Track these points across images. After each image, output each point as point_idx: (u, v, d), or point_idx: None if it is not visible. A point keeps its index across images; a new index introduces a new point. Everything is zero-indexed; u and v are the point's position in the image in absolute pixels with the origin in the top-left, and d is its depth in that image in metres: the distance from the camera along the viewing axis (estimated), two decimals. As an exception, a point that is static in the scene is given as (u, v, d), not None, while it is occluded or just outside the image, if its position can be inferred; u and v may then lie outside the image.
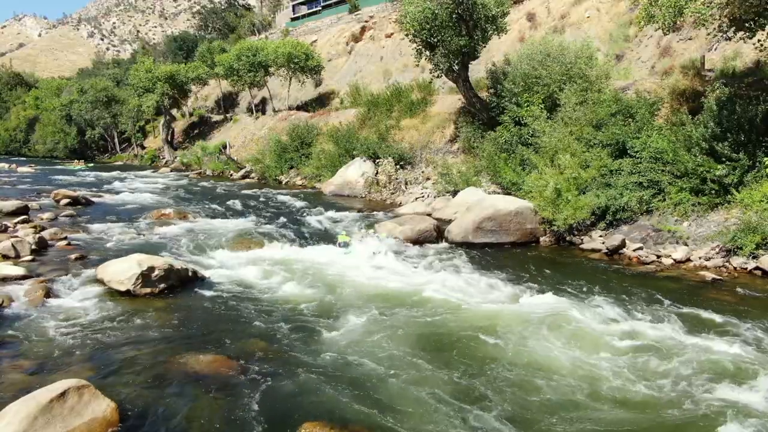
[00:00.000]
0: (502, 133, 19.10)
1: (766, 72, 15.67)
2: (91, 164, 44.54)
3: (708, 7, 12.66)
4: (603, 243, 13.59)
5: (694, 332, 8.18)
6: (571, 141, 16.00)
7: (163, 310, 9.17)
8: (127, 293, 9.63)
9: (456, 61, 19.77)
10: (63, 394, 5.35)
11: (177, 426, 5.73)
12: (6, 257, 11.32)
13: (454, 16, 18.92)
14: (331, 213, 18.21)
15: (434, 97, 27.09)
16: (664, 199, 13.80)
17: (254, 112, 44.66)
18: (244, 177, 33.67)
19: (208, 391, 6.42)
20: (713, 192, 13.00)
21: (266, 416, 5.95)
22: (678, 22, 14.71)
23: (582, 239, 14.15)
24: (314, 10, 61.21)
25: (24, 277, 10.10)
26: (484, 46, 21.14)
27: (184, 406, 6.07)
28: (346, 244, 13.66)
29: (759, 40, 13.78)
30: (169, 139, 48.78)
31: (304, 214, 18.49)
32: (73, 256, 11.84)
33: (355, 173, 24.34)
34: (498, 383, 6.74)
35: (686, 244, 12.67)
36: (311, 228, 16.23)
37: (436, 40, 19.30)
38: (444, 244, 14.54)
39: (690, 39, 20.74)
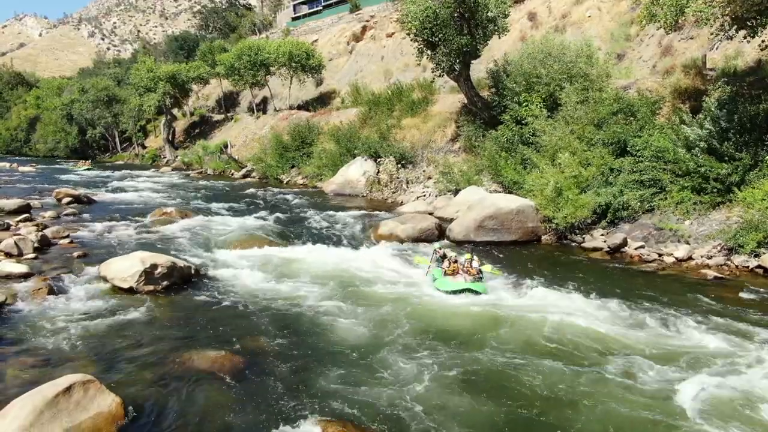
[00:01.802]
0: (503, 132, 19.12)
1: (768, 71, 15.67)
2: (93, 167, 43.04)
3: (709, 6, 12.67)
4: (605, 241, 13.60)
5: (695, 330, 8.19)
6: (572, 140, 16.02)
7: (166, 307, 9.19)
8: (130, 290, 9.66)
9: (457, 60, 19.78)
10: (69, 389, 5.37)
11: (182, 421, 5.75)
12: (9, 255, 11.33)
13: (455, 15, 18.94)
14: (333, 212, 18.22)
15: (435, 97, 27.10)
16: (666, 198, 13.80)
17: (255, 111, 44.69)
18: (245, 176, 33.70)
19: (212, 387, 6.44)
20: (715, 191, 13.01)
21: (271, 413, 5.96)
22: (680, 21, 14.72)
23: (583, 238, 14.16)
24: (315, 9, 61.15)
25: (27, 275, 10.11)
26: (486, 45, 21.16)
27: (188, 402, 6.09)
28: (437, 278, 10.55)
29: (763, 40, 13.77)
30: (170, 139, 48.83)
31: (306, 213, 18.50)
32: (75, 254, 11.86)
33: (356, 172, 24.36)
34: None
35: (688, 243, 12.68)
36: (312, 227, 16.25)
37: (437, 39, 19.32)
38: (446, 243, 14.55)
39: (691, 38, 20.74)
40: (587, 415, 6.00)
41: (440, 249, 11.46)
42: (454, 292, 9.81)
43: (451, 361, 7.25)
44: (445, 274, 10.37)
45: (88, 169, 39.23)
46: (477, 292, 9.79)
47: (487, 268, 10.94)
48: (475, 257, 10.70)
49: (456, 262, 10.57)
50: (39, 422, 5.01)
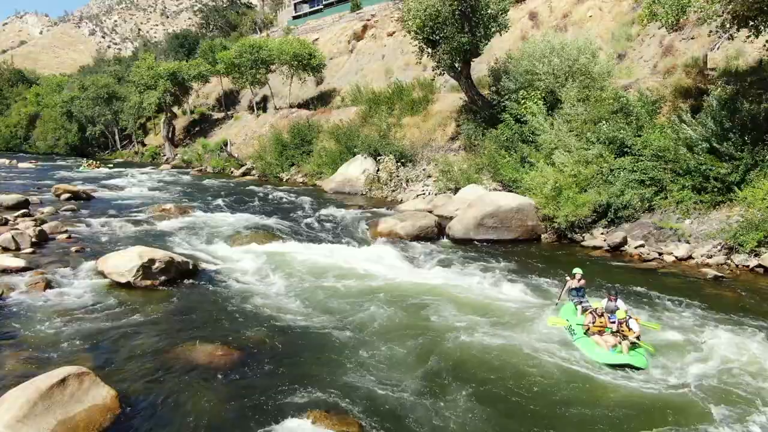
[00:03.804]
0: (503, 130, 19.07)
1: (769, 71, 15.61)
2: (111, 165, 39.60)
3: (711, 3, 12.61)
4: (605, 240, 13.57)
5: (696, 327, 8.16)
6: (570, 138, 15.96)
7: (163, 301, 9.15)
8: (127, 285, 9.62)
9: (458, 59, 19.74)
10: (63, 381, 5.33)
11: (177, 413, 5.71)
12: (6, 249, 11.29)
13: (456, 12, 18.89)
14: (332, 210, 18.17)
15: (435, 96, 27.04)
16: (666, 197, 13.76)
17: (255, 109, 44.59)
18: (244, 174, 33.62)
19: (207, 380, 6.40)
20: (715, 190, 12.95)
21: (264, 405, 5.92)
22: (681, 21, 14.67)
23: (583, 236, 14.12)
24: (316, 8, 61.01)
25: (24, 269, 10.08)
26: (487, 44, 21.10)
27: (184, 394, 6.04)
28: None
29: (767, 40, 13.68)
30: (170, 137, 48.70)
31: (305, 210, 18.46)
32: (73, 249, 11.82)
33: (356, 171, 24.31)
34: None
35: (688, 242, 12.64)
36: (311, 224, 16.21)
37: (438, 37, 19.27)
38: (445, 241, 14.52)
39: (692, 38, 20.70)
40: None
41: (580, 277, 8.83)
42: (610, 366, 7.06)
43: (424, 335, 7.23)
44: (588, 331, 7.75)
45: (98, 167, 37.38)
46: (638, 369, 6.99)
47: (651, 324, 8.03)
48: (631, 315, 7.79)
49: (602, 315, 7.86)
50: (32, 414, 4.97)
